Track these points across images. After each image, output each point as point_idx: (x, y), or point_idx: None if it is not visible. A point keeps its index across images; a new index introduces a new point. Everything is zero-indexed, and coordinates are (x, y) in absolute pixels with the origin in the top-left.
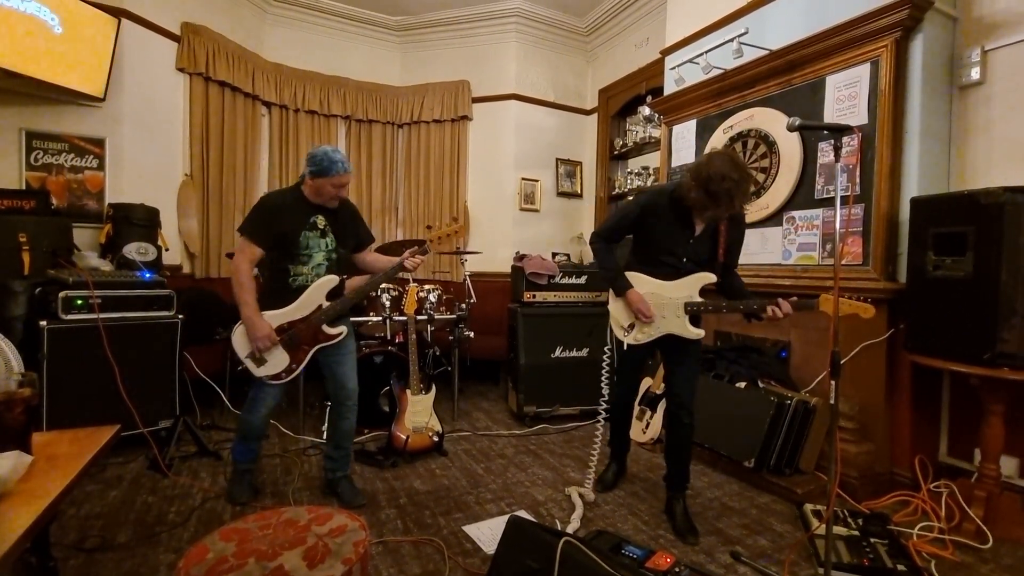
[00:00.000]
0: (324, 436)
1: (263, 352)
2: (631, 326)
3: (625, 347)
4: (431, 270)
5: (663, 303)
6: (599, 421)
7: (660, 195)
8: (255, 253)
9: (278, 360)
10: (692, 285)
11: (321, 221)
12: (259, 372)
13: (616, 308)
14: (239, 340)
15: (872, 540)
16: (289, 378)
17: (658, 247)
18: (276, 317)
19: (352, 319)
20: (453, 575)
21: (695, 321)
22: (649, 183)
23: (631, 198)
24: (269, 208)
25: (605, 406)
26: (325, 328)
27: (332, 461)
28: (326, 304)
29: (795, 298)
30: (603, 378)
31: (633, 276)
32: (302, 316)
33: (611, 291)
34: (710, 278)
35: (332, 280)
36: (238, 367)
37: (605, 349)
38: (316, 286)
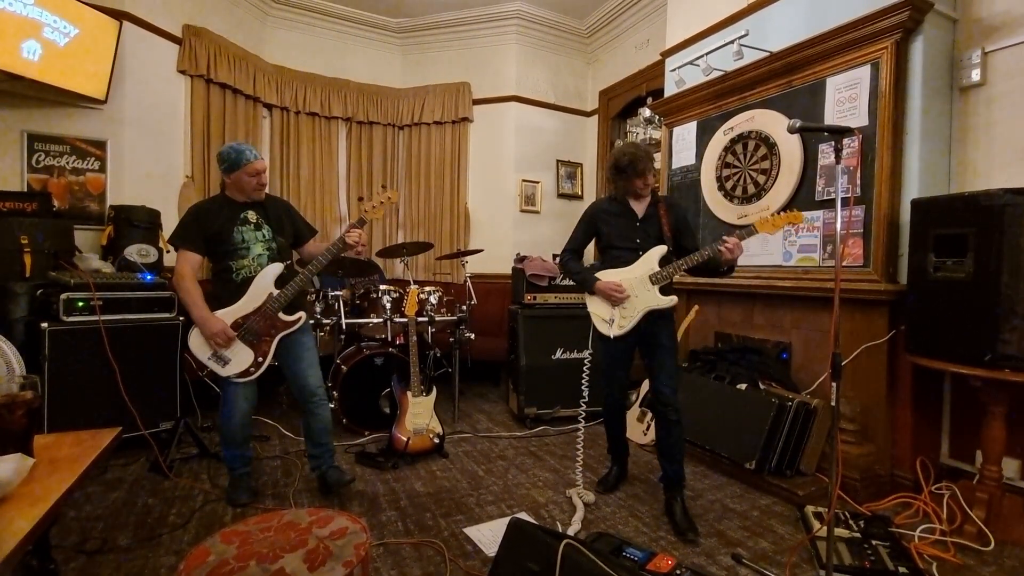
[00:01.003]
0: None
1: (221, 349)
2: (612, 319)
3: (612, 337)
4: (432, 272)
5: (631, 284)
6: (580, 423)
7: (601, 200)
8: (193, 259)
9: (242, 357)
10: (649, 259)
11: (252, 215)
12: (225, 372)
13: (594, 305)
14: (196, 344)
15: (873, 542)
16: (258, 372)
17: (614, 239)
18: (228, 314)
19: (351, 320)
20: None
21: (665, 292)
22: None
23: None
24: (195, 213)
25: (584, 408)
26: (282, 316)
27: (315, 459)
28: (276, 292)
29: (737, 234)
30: (584, 380)
31: (600, 274)
32: (254, 308)
33: (586, 293)
34: (662, 249)
35: (276, 268)
36: (202, 372)
37: (587, 354)
38: (261, 275)
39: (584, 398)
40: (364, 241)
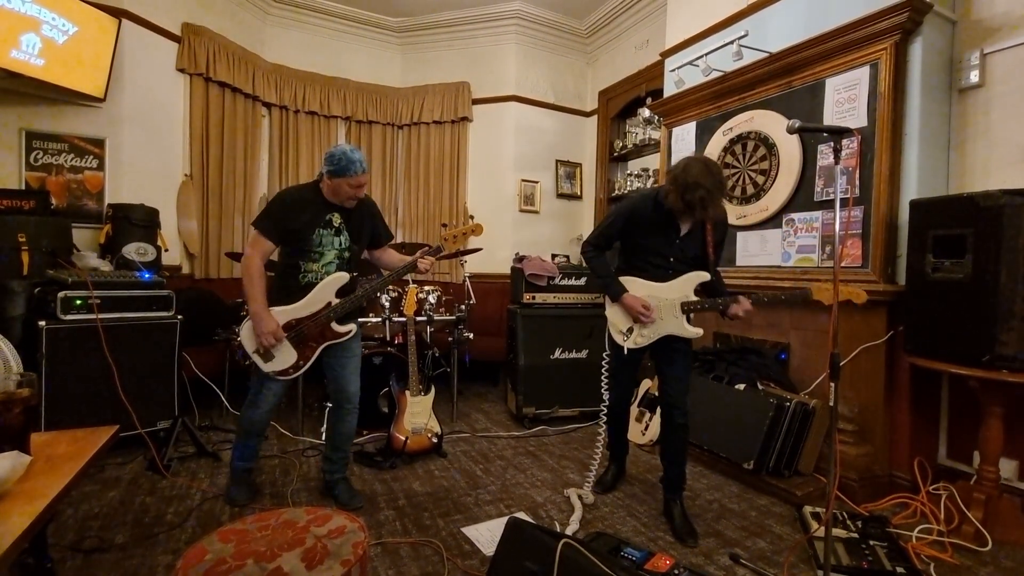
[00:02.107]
0: (323, 437)
1: (269, 348)
2: (629, 330)
3: (625, 351)
4: (431, 272)
5: (659, 305)
6: (600, 426)
7: (644, 200)
8: (267, 247)
9: (286, 356)
10: (686, 285)
11: (336, 219)
12: (267, 367)
13: (613, 313)
14: (247, 335)
15: (871, 542)
16: (297, 374)
17: (646, 250)
18: (284, 313)
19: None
20: None
21: (690, 320)
22: (649, 185)
23: (618, 204)
24: (285, 203)
25: (605, 410)
26: (334, 326)
27: (330, 463)
28: (336, 301)
29: (783, 292)
30: (603, 382)
31: (627, 281)
32: (310, 313)
33: (607, 297)
34: (703, 276)
35: (342, 277)
36: (246, 361)
37: (604, 355)
38: (325, 283)
39: (605, 401)
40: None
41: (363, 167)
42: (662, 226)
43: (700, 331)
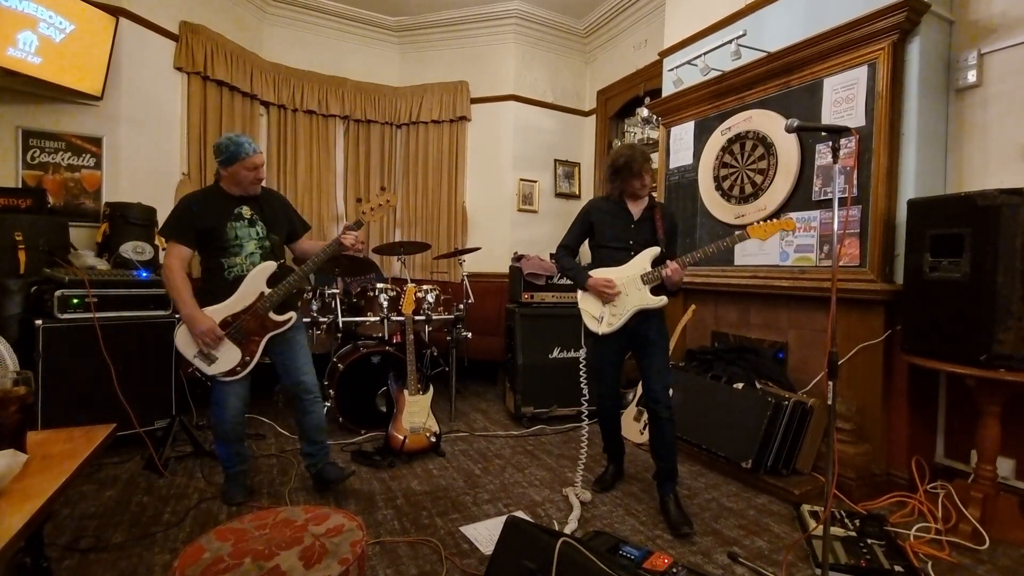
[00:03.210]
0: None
1: (209, 348)
2: (601, 316)
3: (600, 334)
4: (429, 271)
5: (623, 283)
6: (583, 424)
7: (597, 198)
8: (183, 252)
9: (229, 356)
10: (643, 260)
11: (247, 211)
12: (211, 370)
13: (585, 302)
14: (183, 341)
15: (869, 541)
16: (245, 372)
17: (608, 238)
18: (218, 312)
19: (348, 319)
20: None
21: (656, 292)
22: None
23: None
24: (187, 206)
25: (586, 408)
26: (272, 315)
27: (310, 457)
28: (268, 291)
29: (722, 244)
30: (582, 379)
31: (594, 272)
32: (244, 307)
33: (578, 290)
34: (655, 250)
35: (269, 266)
36: (189, 369)
37: (581, 353)
38: (253, 274)
39: (584, 396)
40: (362, 239)
41: (253, 147)
42: (616, 214)
43: (664, 299)
